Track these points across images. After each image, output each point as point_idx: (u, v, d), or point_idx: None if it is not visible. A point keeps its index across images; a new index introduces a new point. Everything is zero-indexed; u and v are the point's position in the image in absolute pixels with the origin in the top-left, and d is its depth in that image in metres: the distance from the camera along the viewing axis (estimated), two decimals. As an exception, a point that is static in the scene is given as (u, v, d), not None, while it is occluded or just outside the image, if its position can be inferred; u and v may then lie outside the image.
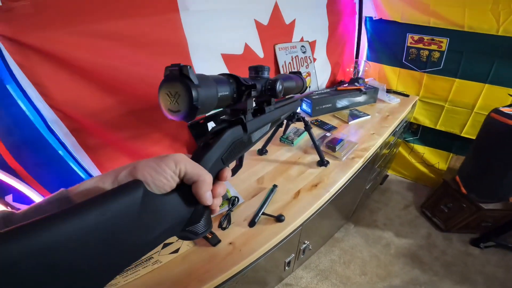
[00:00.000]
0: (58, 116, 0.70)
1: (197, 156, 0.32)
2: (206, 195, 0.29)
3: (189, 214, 0.30)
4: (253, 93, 0.39)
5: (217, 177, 0.35)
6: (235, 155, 0.38)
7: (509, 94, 1.41)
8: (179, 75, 0.26)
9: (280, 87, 0.46)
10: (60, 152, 0.73)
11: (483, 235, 1.61)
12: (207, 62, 0.98)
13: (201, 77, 0.28)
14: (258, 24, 1.14)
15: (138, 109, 0.84)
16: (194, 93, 0.26)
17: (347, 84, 1.62)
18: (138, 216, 0.23)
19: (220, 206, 0.80)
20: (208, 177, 0.29)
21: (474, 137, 1.49)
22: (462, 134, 1.67)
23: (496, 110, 1.26)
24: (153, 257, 0.65)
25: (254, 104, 0.43)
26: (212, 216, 0.35)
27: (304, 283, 1.46)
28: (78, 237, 0.19)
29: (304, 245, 1.05)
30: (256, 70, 0.45)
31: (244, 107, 0.40)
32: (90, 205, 0.20)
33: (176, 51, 0.88)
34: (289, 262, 1.04)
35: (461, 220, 1.57)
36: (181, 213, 0.29)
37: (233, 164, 0.46)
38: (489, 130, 1.32)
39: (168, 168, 0.26)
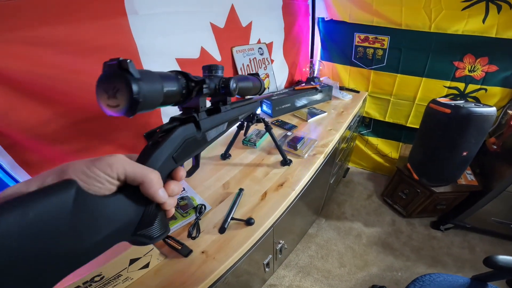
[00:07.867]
0: (-13, 132, 0.60)
1: (145, 155, 0.30)
2: (159, 193, 0.27)
3: (139, 217, 0.27)
4: (205, 90, 0.38)
5: (170, 177, 0.33)
6: (188, 154, 0.37)
7: (444, 86, 1.60)
8: (118, 69, 0.25)
9: (234, 85, 0.46)
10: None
11: (440, 218, 1.78)
12: (161, 68, 0.92)
13: (145, 72, 0.27)
14: (214, 27, 1.13)
15: (81, 120, 0.76)
16: (134, 87, 0.24)
17: (304, 84, 1.68)
18: (70, 219, 0.21)
19: (187, 215, 0.78)
20: (154, 176, 0.27)
21: (418, 126, 1.64)
22: (408, 124, 1.86)
23: (434, 101, 1.41)
24: (121, 275, 0.60)
25: (208, 104, 0.42)
26: (168, 218, 0.33)
27: (288, 282, 1.47)
28: None
29: (279, 245, 1.06)
30: (210, 69, 0.45)
31: (196, 105, 0.39)
32: (7, 206, 0.18)
33: (125, 57, 0.82)
34: (268, 263, 1.05)
35: (419, 205, 1.71)
36: (129, 216, 0.26)
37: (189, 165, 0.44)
38: (430, 119, 1.47)
39: (101, 172, 0.24)
